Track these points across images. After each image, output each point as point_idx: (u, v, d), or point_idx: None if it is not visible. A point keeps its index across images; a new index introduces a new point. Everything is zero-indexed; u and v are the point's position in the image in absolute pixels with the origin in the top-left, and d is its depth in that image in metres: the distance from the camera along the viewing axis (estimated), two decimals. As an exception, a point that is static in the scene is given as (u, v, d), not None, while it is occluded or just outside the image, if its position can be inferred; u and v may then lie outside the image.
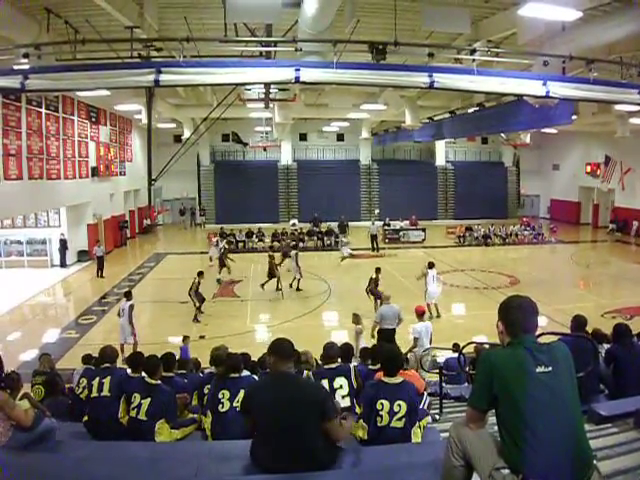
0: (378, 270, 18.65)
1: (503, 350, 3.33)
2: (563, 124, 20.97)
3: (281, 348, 4.23)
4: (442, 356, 12.27)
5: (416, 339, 12.70)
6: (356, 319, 13.63)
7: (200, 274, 18.51)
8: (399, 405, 4.86)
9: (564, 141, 40.50)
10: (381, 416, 4.85)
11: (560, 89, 11.84)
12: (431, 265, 18.63)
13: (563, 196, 43.46)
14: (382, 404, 4.86)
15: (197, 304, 18.33)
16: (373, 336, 13.53)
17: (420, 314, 13.26)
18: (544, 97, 12.17)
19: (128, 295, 15.23)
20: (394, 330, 13.55)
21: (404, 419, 4.87)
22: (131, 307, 14.72)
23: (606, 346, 7.79)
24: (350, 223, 35.21)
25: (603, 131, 32.54)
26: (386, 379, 5.10)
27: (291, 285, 22.17)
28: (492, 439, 3.33)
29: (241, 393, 5.40)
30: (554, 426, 3.00)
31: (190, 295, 18.15)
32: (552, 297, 18.77)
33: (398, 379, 5.08)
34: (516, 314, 3.32)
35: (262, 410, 4.06)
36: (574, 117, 20.81)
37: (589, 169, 39.68)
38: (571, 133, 36.51)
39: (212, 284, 22.40)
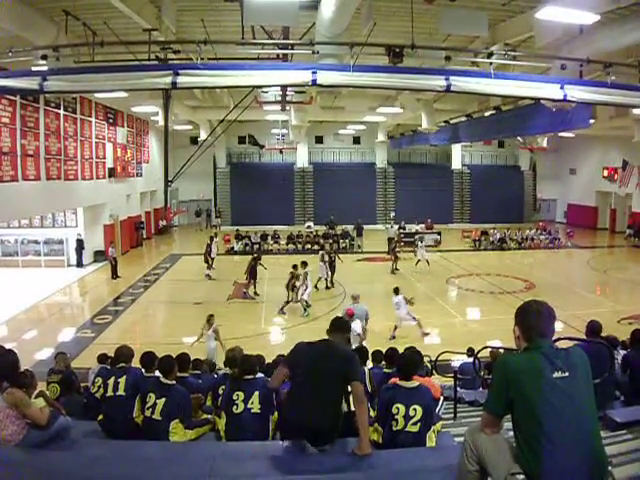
0: (295, 267, 19.95)
1: (520, 355, 3.32)
2: (581, 128, 20.88)
3: (339, 323, 5.18)
4: (457, 360, 12.24)
5: (357, 335, 12.98)
6: (210, 318, 13.68)
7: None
8: (415, 409, 4.82)
9: (581, 145, 40.20)
10: (396, 420, 4.82)
11: (578, 93, 11.78)
12: (304, 263, 19.94)
13: (580, 201, 43.13)
14: (398, 408, 4.83)
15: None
16: None
17: (350, 315, 13.30)
18: (561, 101, 12.11)
19: (396, 290, 16.63)
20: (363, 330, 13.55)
21: (419, 423, 4.83)
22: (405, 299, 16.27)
23: (621, 352, 7.74)
24: (365, 226, 35.09)
25: (621, 135, 32.30)
26: (402, 383, 5.05)
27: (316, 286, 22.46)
28: (508, 444, 3.32)
29: (255, 394, 5.43)
30: (570, 432, 2.98)
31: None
32: (568, 302, 18.65)
33: (414, 383, 5.05)
34: (533, 319, 3.30)
35: (301, 364, 4.73)
36: (592, 121, 20.66)
37: (606, 173, 39.30)
38: (588, 137, 36.30)
39: (227, 285, 22.46)
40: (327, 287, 22.97)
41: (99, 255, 28.60)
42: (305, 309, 18.84)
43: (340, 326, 5.11)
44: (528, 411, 3.05)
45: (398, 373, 5.34)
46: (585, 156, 41.68)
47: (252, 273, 21.14)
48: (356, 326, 12.97)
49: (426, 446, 4.96)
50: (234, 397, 5.49)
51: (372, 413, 5.52)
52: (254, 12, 11.15)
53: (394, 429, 4.83)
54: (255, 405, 5.41)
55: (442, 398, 6.52)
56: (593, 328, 7.14)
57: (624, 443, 5.17)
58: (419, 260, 27.23)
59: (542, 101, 15.79)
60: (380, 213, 43.44)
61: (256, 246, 32.45)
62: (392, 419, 4.83)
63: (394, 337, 16.04)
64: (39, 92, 11.36)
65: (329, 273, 22.98)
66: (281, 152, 39.64)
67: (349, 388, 4.64)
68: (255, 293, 21.26)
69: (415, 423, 4.82)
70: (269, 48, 13.16)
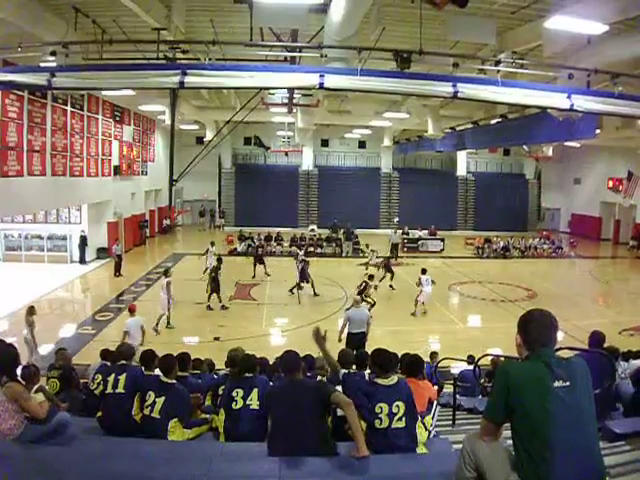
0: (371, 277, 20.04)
1: (521, 363, 3.32)
2: (586, 138, 20.85)
3: (286, 362, 5.16)
4: (455, 367, 12.25)
5: (126, 332, 13.23)
6: (30, 311, 14.03)
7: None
8: (397, 406, 4.80)
9: (586, 155, 40.17)
10: (380, 419, 4.78)
11: (584, 102, 11.76)
12: (165, 272, 18.46)
13: (584, 211, 43.08)
14: (381, 407, 4.79)
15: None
16: (340, 340, 13.40)
17: (131, 310, 14.03)
18: (568, 110, 12.10)
19: (424, 271, 19.70)
20: (363, 334, 13.49)
21: (404, 418, 4.81)
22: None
23: (622, 363, 7.73)
24: (369, 231, 35.03)
25: (626, 146, 32.28)
26: (380, 380, 5.00)
27: (291, 290, 22.30)
28: (506, 452, 3.32)
29: (254, 391, 5.47)
30: (570, 441, 2.98)
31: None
32: (570, 312, 18.56)
33: (392, 379, 5.01)
34: (535, 328, 3.30)
35: (277, 409, 4.84)
36: (598, 131, 20.68)
37: (611, 184, 39.21)
38: (594, 147, 36.23)
39: (229, 286, 22.47)
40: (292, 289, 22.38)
41: (102, 252, 28.67)
42: (169, 322, 17.51)
43: (290, 367, 5.08)
44: (528, 420, 3.05)
45: (375, 370, 5.29)
46: (590, 166, 41.64)
47: (214, 284, 19.83)
48: (135, 323, 13.46)
49: (417, 440, 4.96)
50: (233, 394, 5.53)
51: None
52: (263, 14, 11.21)
53: (378, 427, 4.79)
54: (254, 401, 5.46)
55: (436, 403, 6.50)
56: (597, 339, 7.13)
57: (622, 454, 5.17)
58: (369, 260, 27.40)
59: (548, 110, 15.82)
60: (384, 218, 43.43)
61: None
62: (375, 418, 4.81)
63: (415, 315, 19.47)
64: (47, 88, 11.37)
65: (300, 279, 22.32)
66: (286, 154, 39.66)
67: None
68: (223, 307, 19.90)
69: (400, 419, 4.80)
70: (277, 50, 13.18)
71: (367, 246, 29.98)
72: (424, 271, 19.89)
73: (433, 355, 12.66)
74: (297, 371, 5.04)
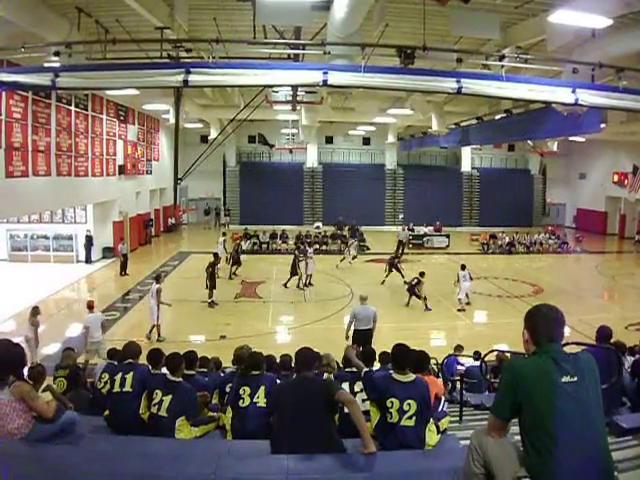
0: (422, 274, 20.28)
1: (528, 359, 3.31)
2: (591, 132, 20.79)
3: (303, 358, 5.17)
4: (464, 363, 12.22)
5: (87, 327, 13.21)
6: (34, 311, 14.06)
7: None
8: (409, 404, 4.79)
9: (592, 150, 40.08)
10: (391, 413, 4.80)
11: (589, 97, 11.73)
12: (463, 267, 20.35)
13: (589, 205, 42.99)
14: (392, 402, 4.80)
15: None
16: (347, 337, 13.44)
17: (90, 307, 13.77)
18: (573, 105, 12.07)
19: (463, 267, 20.32)
20: (370, 331, 13.51)
21: (414, 417, 4.81)
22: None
23: (629, 358, 7.71)
24: (374, 227, 34.94)
25: (631, 140, 32.19)
26: (396, 376, 5.01)
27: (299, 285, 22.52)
28: (514, 448, 3.31)
29: (261, 389, 5.49)
30: (578, 436, 2.97)
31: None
32: (576, 307, 18.56)
33: (410, 377, 5.02)
34: (542, 323, 3.29)
35: (284, 405, 4.86)
36: (602, 125, 20.59)
37: (616, 179, 39.14)
38: (599, 142, 36.13)
39: (235, 284, 22.49)
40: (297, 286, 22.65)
41: (108, 251, 28.74)
42: (152, 333, 16.31)
43: (305, 363, 5.11)
44: (536, 415, 3.04)
45: (392, 365, 5.32)
46: (595, 161, 41.55)
47: (212, 280, 19.87)
48: (95, 319, 13.44)
49: (426, 441, 4.95)
50: (240, 392, 5.55)
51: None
52: (266, 12, 11.19)
53: (389, 421, 4.82)
54: (261, 399, 5.47)
55: (443, 398, 6.50)
56: (604, 334, 7.10)
57: (630, 449, 5.15)
58: (344, 258, 27.78)
59: (553, 105, 15.75)
60: (389, 215, 43.44)
61: (264, 245, 32.60)
62: (387, 412, 4.83)
63: (464, 310, 19.89)
64: (51, 88, 11.41)
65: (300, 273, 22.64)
66: (291, 152, 39.69)
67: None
68: (212, 302, 19.94)
69: (410, 417, 4.80)
70: (280, 48, 13.18)
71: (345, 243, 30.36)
72: (463, 267, 20.46)
73: (458, 348, 12.63)
74: (311, 369, 5.10)
